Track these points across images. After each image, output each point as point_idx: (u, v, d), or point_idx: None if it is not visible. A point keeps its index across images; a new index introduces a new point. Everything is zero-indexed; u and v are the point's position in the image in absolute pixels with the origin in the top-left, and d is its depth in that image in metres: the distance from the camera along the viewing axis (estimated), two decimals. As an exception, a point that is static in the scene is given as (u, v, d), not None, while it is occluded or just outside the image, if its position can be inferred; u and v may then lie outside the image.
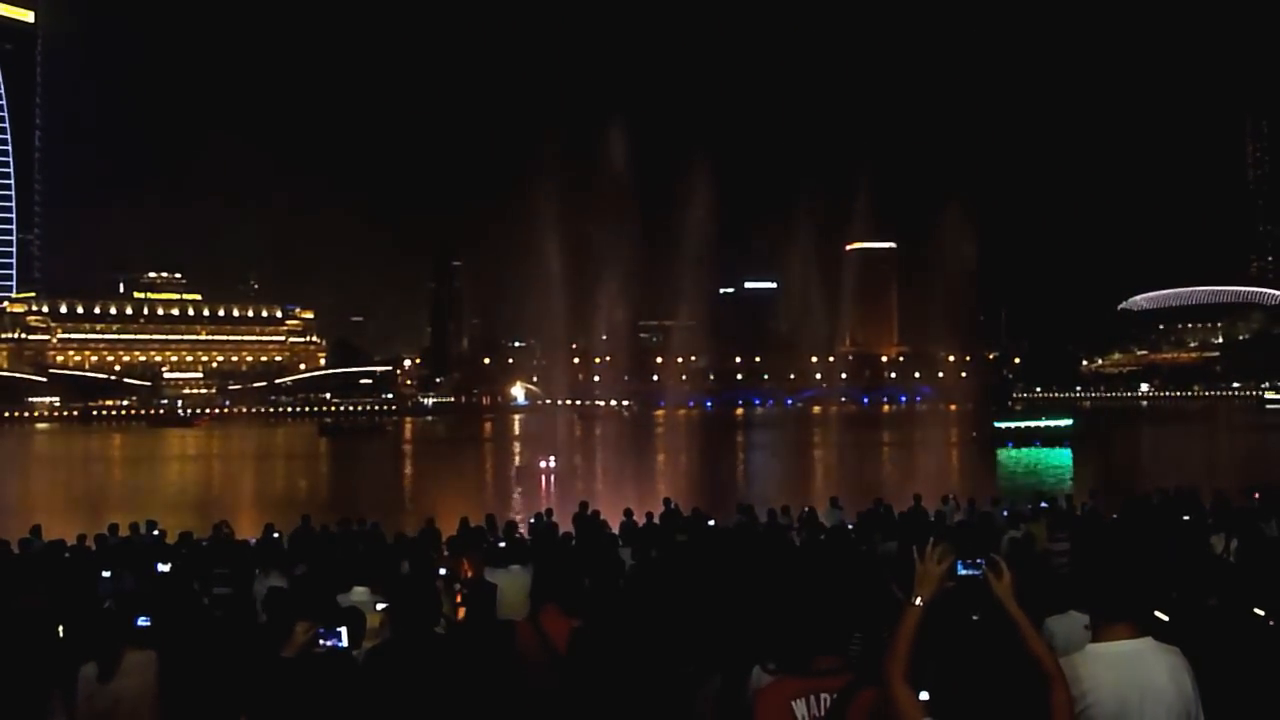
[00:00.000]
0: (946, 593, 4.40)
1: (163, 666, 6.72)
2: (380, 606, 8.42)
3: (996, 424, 70.67)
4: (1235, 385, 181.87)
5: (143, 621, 6.95)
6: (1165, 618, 5.58)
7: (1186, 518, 16.36)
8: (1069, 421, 72.00)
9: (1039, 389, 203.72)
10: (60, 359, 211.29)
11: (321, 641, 5.88)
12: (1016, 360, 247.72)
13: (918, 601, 4.28)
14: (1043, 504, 20.38)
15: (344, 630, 5.89)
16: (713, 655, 6.05)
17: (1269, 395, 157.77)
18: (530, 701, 6.18)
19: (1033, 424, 71.38)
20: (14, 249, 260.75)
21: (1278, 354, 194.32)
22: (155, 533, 19.98)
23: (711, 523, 19.24)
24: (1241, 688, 5.27)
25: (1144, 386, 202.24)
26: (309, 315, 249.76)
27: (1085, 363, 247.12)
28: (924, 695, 4.13)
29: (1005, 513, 20.39)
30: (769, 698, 4.45)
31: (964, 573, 4.47)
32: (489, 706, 6.03)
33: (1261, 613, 6.74)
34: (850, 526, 18.54)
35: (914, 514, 19.71)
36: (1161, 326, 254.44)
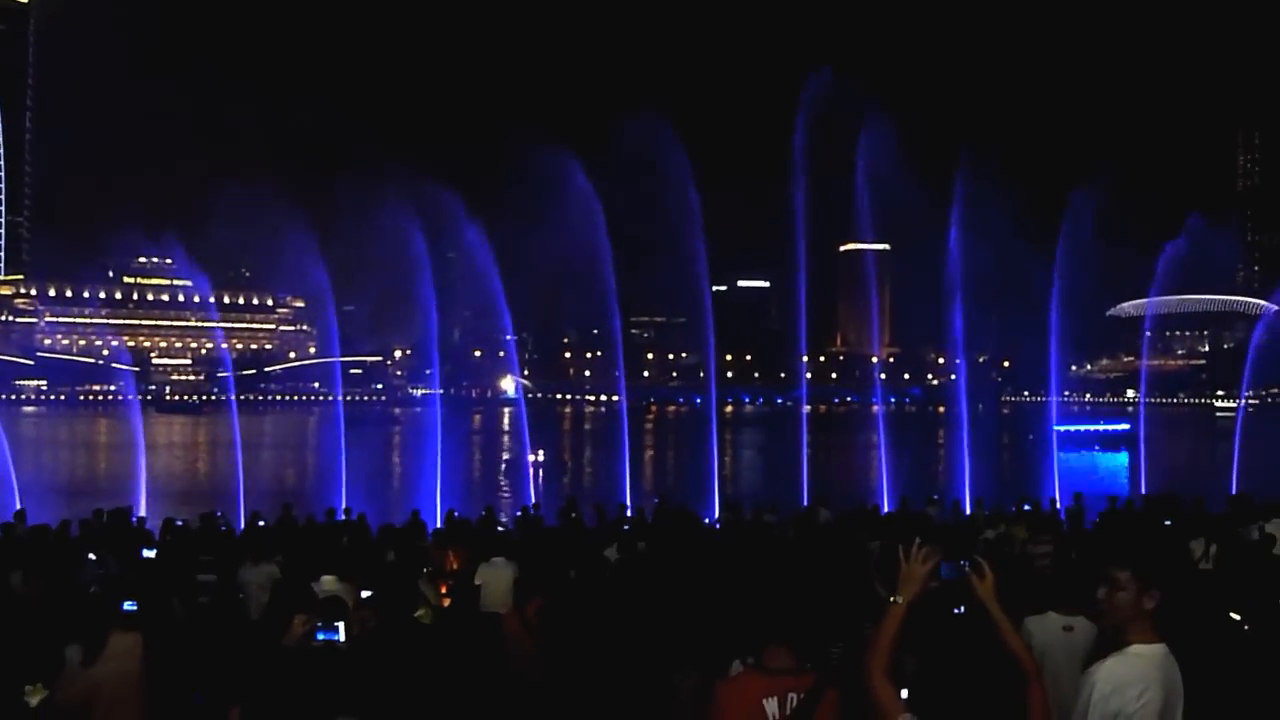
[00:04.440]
0: (929, 592, 4.44)
1: (148, 650, 6.72)
2: (365, 594, 8.47)
3: (1055, 427, 72.79)
4: (1219, 393, 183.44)
5: (129, 605, 6.96)
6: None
7: (1168, 522, 16.51)
8: (1126, 426, 73.35)
9: (1027, 393, 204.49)
10: (48, 342, 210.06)
11: (319, 636, 5.92)
12: (1005, 364, 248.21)
13: (900, 601, 4.32)
14: (1025, 506, 20.49)
15: (341, 625, 5.94)
16: (692, 648, 6.09)
17: (1218, 404, 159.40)
18: (515, 689, 6.22)
19: (1092, 428, 72.78)
20: (3, 231, 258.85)
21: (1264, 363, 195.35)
22: (140, 517, 19.96)
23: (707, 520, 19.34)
24: (1216, 690, 5.35)
25: (1130, 393, 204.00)
26: (300, 304, 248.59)
27: (1074, 368, 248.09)
28: (904, 693, 4.17)
29: (987, 512, 20.48)
30: (737, 691, 4.42)
31: (946, 574, 4.50)
32: (473, 693, 6.07)
33: (1237, 617, 6.83)
34: (833, 526, 18.61)
35: (900, 514, 19.83)
36: (1149, 333, 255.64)
